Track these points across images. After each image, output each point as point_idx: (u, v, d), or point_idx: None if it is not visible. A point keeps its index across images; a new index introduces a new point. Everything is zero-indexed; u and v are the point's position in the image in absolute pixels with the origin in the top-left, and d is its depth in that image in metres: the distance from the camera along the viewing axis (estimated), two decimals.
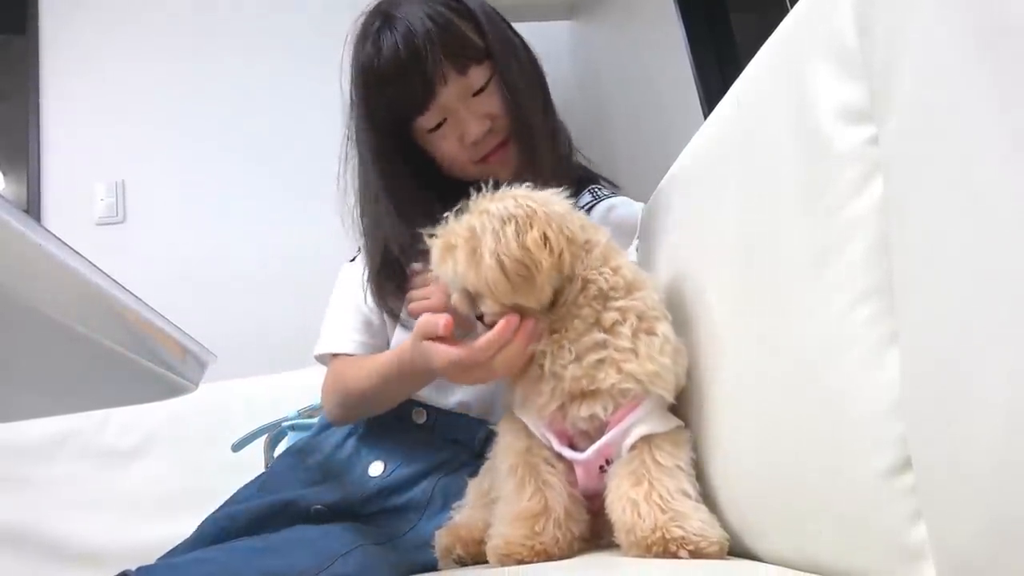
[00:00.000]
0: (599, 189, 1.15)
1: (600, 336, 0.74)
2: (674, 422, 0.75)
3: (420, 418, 1.06)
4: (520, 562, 0.70)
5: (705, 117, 0.81)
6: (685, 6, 2.39)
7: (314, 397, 1.25)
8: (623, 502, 0.69)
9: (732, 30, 2.42)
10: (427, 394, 1.05)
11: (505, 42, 1.04)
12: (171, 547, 0.91)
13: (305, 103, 2.55)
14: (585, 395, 0.74)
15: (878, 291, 0.48)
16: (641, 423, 0.73)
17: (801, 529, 0.58)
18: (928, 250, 0.43)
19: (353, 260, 1.18)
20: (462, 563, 0.83)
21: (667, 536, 0.65)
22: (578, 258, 0.75)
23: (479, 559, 0.80)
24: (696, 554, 0.64)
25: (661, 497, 0.68)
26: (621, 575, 0.67)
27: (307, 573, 0.78)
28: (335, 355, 1.11)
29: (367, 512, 0.98)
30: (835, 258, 0.52)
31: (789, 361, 0.58)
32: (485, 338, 0.76)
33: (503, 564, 0.71)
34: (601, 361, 0.73)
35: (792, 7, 0.60)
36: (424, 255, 0.96)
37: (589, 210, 1.11)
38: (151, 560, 0.83)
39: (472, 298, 0.79)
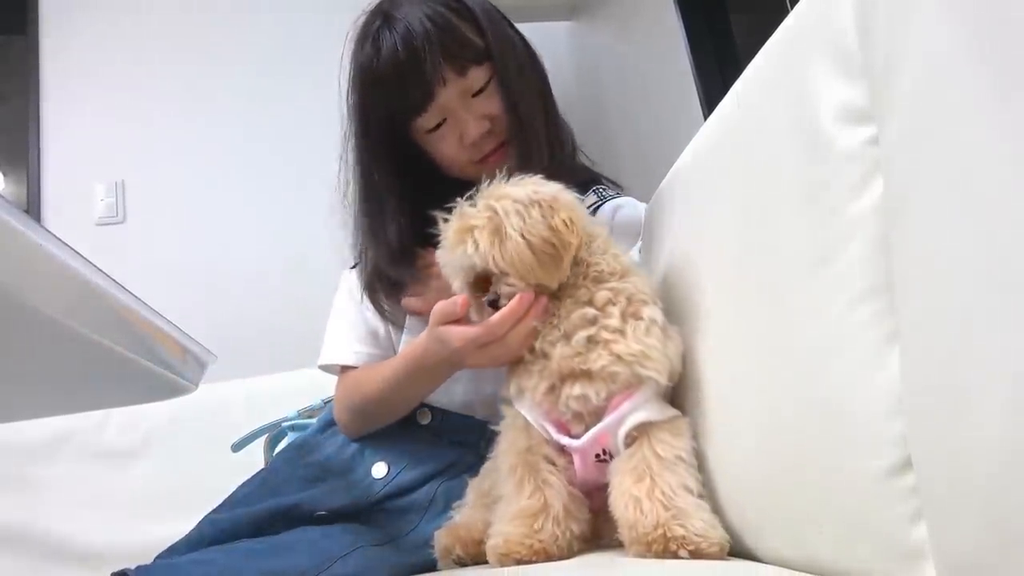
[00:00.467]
0: (604, 190, 1.15)
1: (591, 312, 0.76)
2: (672, 411, 0.75)
3: (425, 419, 1.06)
4: (519, 562, 0.70)
5: (705, 117, 0.81)
6: (685, 7, 2.39)
7: (314, 397, 1.25)
8: (626, 499, 0.69)
9: (732, 30, 2.42)
10: (434, 395, 1.04)
11: (505, 43, 1.04)
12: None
13: (305, 103, 2.55)
14: (576, 375, 0.74)
15: (878, 291, 0.48)
16: (637, 411, 0.73)
17: (801, 529, 0.58)
18: (928, 250, 0.43)
19: (354, 267, 1.18)
20: (461, 563, 0.83)
21: (668, 535, 0.65)
22: (585, 246, 0.79)
23: (479, 559, 0.80)
24: (696, 554, 0.64)
25: (663, 494, 0.67)
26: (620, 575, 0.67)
27: (307, 574, 0.78)
28: (344, 368, 1.11)
29: (368, 511, 0.98)
30: (835, 258, 0.52)
31: (789, 361, 0.58)
32: (500, 313, 0.78)
33: (502, 564, 0.71)
34: (591, 340, 0.75)
35: (792, 7, 0.60)
36: (423, 252, 0.96)
37: (595, 210, 1.11)
38: (151, 560, 0.83)
39: (481, 283, 0.81)
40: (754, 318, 0.65)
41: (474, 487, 0.91)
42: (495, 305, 0.80)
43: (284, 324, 2.29)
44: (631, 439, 0.74)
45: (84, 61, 2.53)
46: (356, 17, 1.05)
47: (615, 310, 0.76)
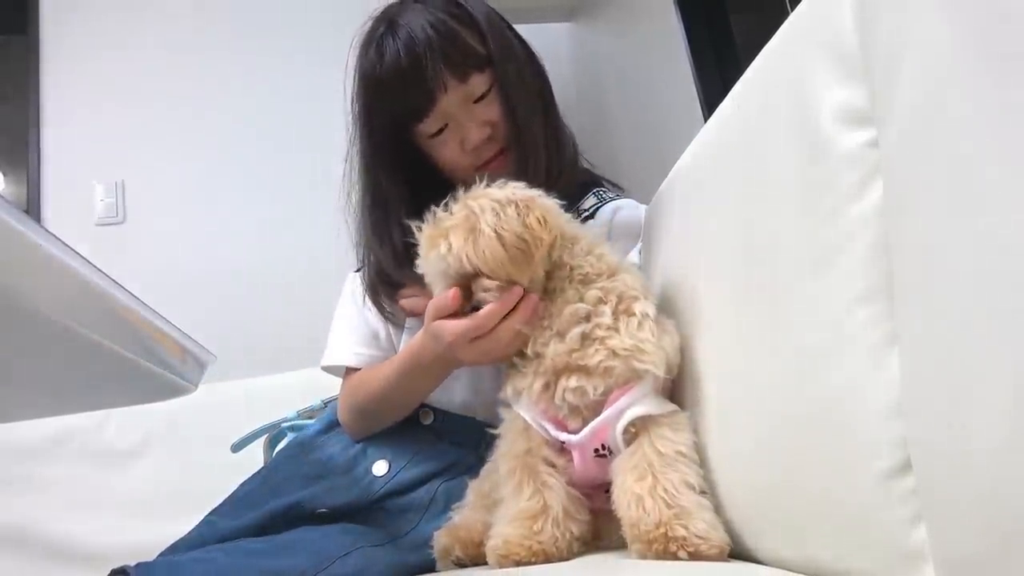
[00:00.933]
0: (604, 192, 1.16)
1: (583, 308, 0.77)
2: (671, 406, 0.75)
3: (427, 419, 1.07)
4: (518, 563, 0.70)
5: (705, 119, 0.81)
6: (685, 8, 2.40)
7: (314, 398, 1.25)
8: (628, 497, 0.69)
9: (732, 32, 2.42)
10: (434, 395, 1.06)
11: (507, 50, 1.05)
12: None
13: (305, 104, 2.56)
14: (572, 369, 0.75)
15: (878, 293, 0.48)
16: (635, 405, 0.73)
17: (801, 531, 0.58)
18: (928, 252, 0.43)
19: (358, 271, 1.19)
20: (461, 564, 0.83)
21: (670, 535, 0.65)
22: (565, 248, 0.81)
23: (478, 561, 0.80)
24: (696, 556, 0.64)
25: (666, 491, 0.67)
26: None
27: (306, 574, 0.78)
28: (347, 370, 1.13)
29: (368, 510, 0.99)
30: (835, 260, 0.52)
31: (789, 362, 0.58)
32: (489, 307, 0.79)
33: (501, 565, 0.71)
34: (585, 336, 0.75)
35: (792, 9, 0.60)
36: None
37: (594, 212, 1.12)
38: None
39: (465, 291, 0.81)
40: (754, 320, 0.65)
41: (474, 488, 0.91)
42: (478, 310, 0.81)
43: (284, 325, 2.29)
44: (630, 435, 0.74)
45: (84, 61, 2.53)
46: (361, 23, 1.06)
47: (606, 308, 0.76)
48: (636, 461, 0.71)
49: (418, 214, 1.00)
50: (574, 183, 1.12)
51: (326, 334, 1.20)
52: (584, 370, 0.74)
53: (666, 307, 0.86)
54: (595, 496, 0.78)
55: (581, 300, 0.77)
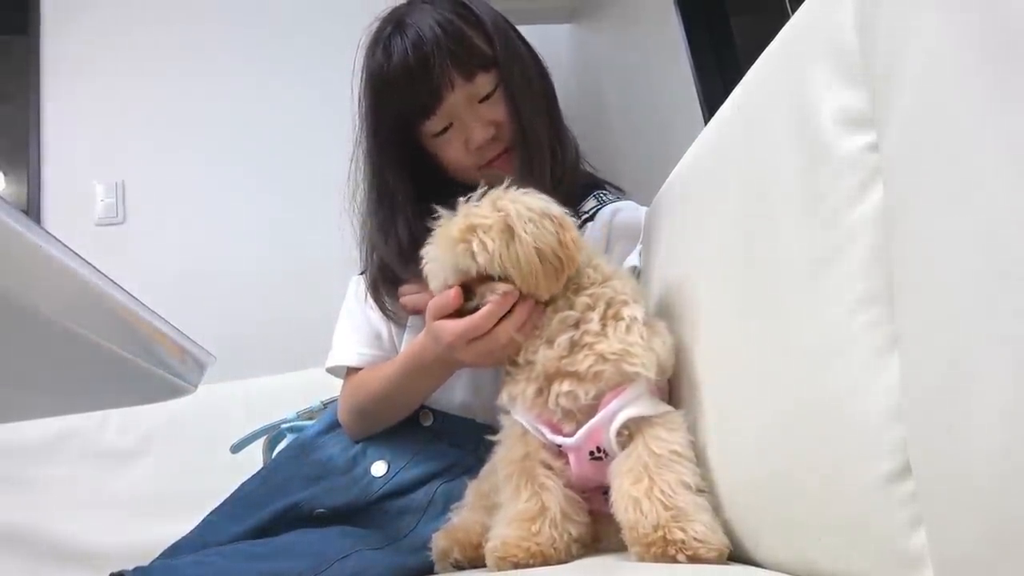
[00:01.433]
0: (604, 194, 1.17)
1: (571, 315, 0.78)
2: (665, 407, 0.76)
3: (427, 420, 1.08)
4: (516, 565, 0.70)
5: (705, 121, 0.81)
6: (685, 10, 2.40)
7: (313, 399, 1.25)
8: (625, 500, 0.69)
9: (732, 34, 2.42)
10: (434, 396, 1.06)
11: (512, 52, 1.06)
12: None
13: (306, 104, 2.56)
14: (563, 375, 0.76)
15: (878, 296, 0.48)
16: (628, 406, 0.74)
17: (800, 535, 0.58)
18: (928, 256, 0.43)
19: (362, 273, 1.20)
20: (459, 567, 0.83)
21: (668, 537, 0.65)
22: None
23: (476, 563, 0.80)
24: (694, 559, 0.64)
25: (663, 492, 0.67)
26: None
27: (305, 574, 0.78)
28: (349, 370, 1.13)
29: (367, 511, 0.99)
30: (835, 263, 0.52)
31: (789, 366, 0.58)
32: (487, 307, 0.80)
33: (500, 567, 0.71)
34: (574, 343, 0.76)
35: (793, 11, 0.60)
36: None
37: (594, 214, 1.12)
38: (151, 560, 0.83)
39: (469, 287, 0.82)
40: (754, 322, 0.65)
41: (473, 489, 0.91)
42: (476, 308, 0.81)
43: (283, 325, 2.29)
44: (624, 437, 0.74)
45: (85, 62, 2.53)
46: (365, 23, 1.08)
47: (594, 314, 0.77)
48: (632, 464, 0.71)
49: (423, 213, 1.00)
50: (576, 185, 1.13)
51: (326, 335, 1.20)
52: (575, 375, 0.75)
53: (666, 309, 0.86)
54: (594, 498, 0.78)
55: (571, 306, 0.78)
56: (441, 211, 0.83)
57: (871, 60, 0.48)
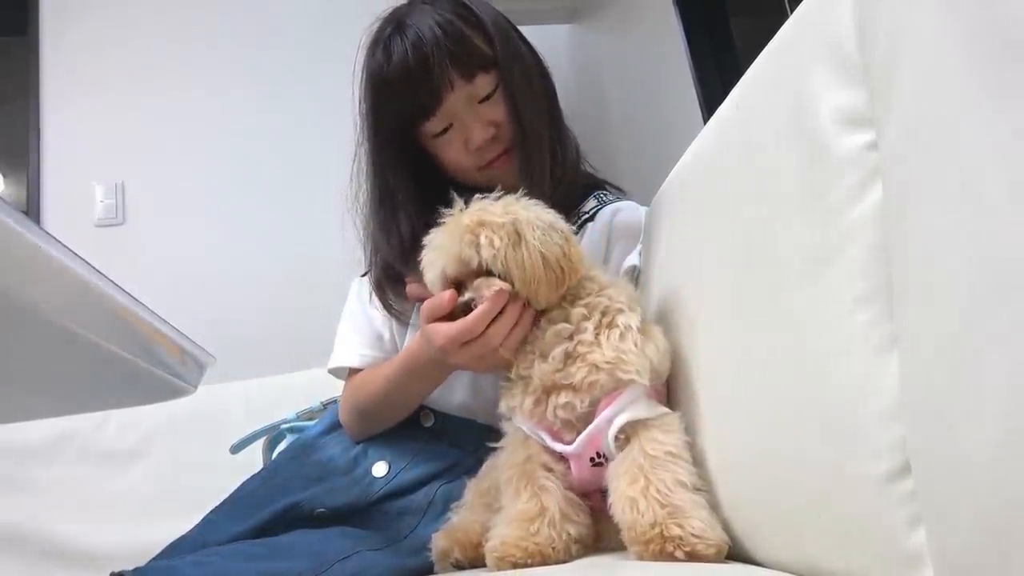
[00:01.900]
0: (604, 195, 1.17)
1: (565, 328, 0.78)
2: (661, 409, 0.76)
3: (428, 421, 1.08)
4: (515, 565, 0.70)
5: (705, 121, 0.81)
6: (685, 10, 2.40)
7: (313, 399, 1.26)
8: (623, 501, 0.69)
9: (732, 34, 2.42)
10: (434, 397, 1.06)
11: (513, 52, 1.06)
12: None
13: (306, 105, 2.56)
14: (560, 388, 0.76)
15: (877, 295, 0.48)
16: (624, 411, 0.74)
17: (800, 533, 0.58)
18: (927, 254, 0.43)
19: (364, 275, 1.21)
20: (459, 567, 0.83)
21: (665, 534, 0.65)
22: None
23: (476, 563, 0.80)
24: (692, 556, 0.64)
25: (659, 491, 0.68)
26: None
27: (305, 575, 0.78)
28: (351, 371, 1.13)
29: (367, 512, 0.99)
30: (834, 262, 0.52)
31: (788, 365, 0.58)
32: (478, 310, 0.80)
33: (499, 567, 0.71)
34: (568, 355, 0.77)
35: (792, 11, 0.60)
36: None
37: (594, 214, 1.12)
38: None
39: (463, 283, 0.83)
40: (753, 322, 0.65)
41: (473, 487, 0.91)
42: (469, 309, 0.81)
43: (283, 326, 2.30)
44: (622, 440, 0.74)
45: (84, 62, 2.53)
46: (365, 24, 1.08)
47: (589, 324, 0.78)
48: (627, 465, 0.71)
49: (424, 212, 1.01)
50: (576, 186, 1.13)
51: (326, 336, 1.21)
52: (570, 387, 0.76)
53: (665, 309, 0.86)
54: (595, 498, 0.78)
55: (566, 317, 0.79)
56: (455, 199, 0.84)
57: (870, 59, 0.48)
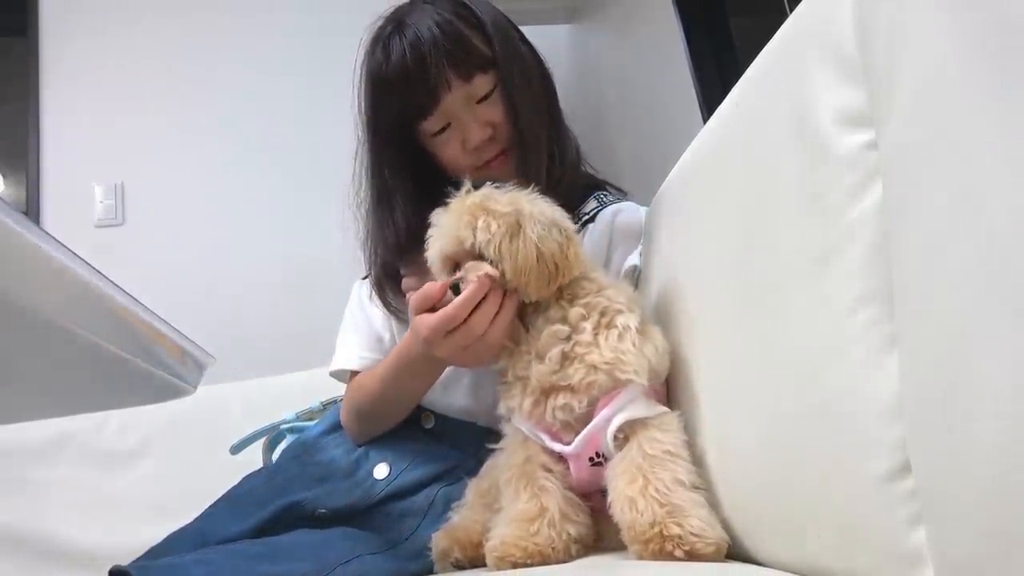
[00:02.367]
0: (604, 195, 1.17)
1: (563, 330, 0.78)
2: (660, 408, 0.76)
3: (428, 423, 1.08)
4: (515, 565, 0.70)
5: (704, 121, 0.81)
6: (684, 10, 2.40)
7: (313, 399, 1.25)
8: (622, 501, 0.70)
9: (731, 34, 2.42)
10: (435, 399, 1.07)
11: (512, 53, 1.06)
12: None
13: (306, 105, 2.56)
14: (558, 389, 0.76)
15: (877, 295, 0.48)
16: (622, 411, 0.74)
17: (800, 532, 0.58)
18: (927, 254, 0.43)
19: (365, 278, 1.21)
20: (459, 566, 0.83)
21: (665, 533, 0.65)
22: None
23: (477, 562, 0.80)
24: (692, 554, 0.64)
25: (657, 490, 0.68)
26: None
27: None
28: (351, 374, 1.14)
29: (368, 514, 0.99)
30: (834, 262, 0.52)
31: (788, 364, 0.58)
32: (460, 297, 0.81)
33: (499, 567, 0.71)
34: (565, 356, 0.77)
35: (791, 12, 0.60)
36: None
37: (595, 215, 1.12)
38: None
39: (455, 266, 0.83)
40: (753, 321, 0.65)
41: (473, 487, 0.91)
42: (456, 290, 0.81)
43: (283, 326, 2.30)
44: (621, 440, 0.74)
45: (84, 63, 2.53)
46: (366, 23, 1.09)
47: (587, 324, 0.78)
48: (626, 465, 0.72)
49: (422, 211, 1.01)
50: (576, 187, 1.13)
51: (325, 336, 1.21)
52: (568, 388, 0.76)
53: (665, 308, 0.86)
54: (595, 498, 0.78)
55: (564, 317, 0.79)
56: (465, 184, 0.85)
57: (870, 59, 0.48)
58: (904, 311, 0.46)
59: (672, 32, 2.42)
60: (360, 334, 1.17)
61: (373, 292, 1.14)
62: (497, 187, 0.84)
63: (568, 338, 0.78)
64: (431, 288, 0.84)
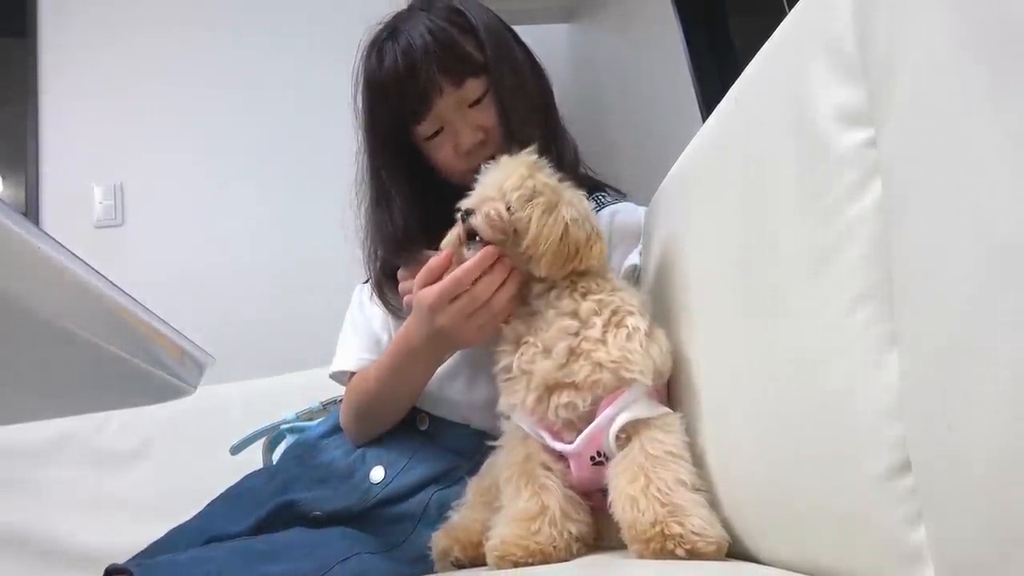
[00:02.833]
0: (603, 196, 1.18)
1: (572, 324, 0.79)
2: (662, 409, 0.76)
3: (423, 424, 1.08)
4: (516, 564, 0.70)
5: (703, 119, 0.81)
6: (683, 9, 2.40)
7: (313, 399, 1.26)
8: (623, 499, 0.70)
9: (730, 33, 2.42)
10: (429, 399, 1.07)
11: (504, 57, 1.07)
12: None
13: (305, 106, 2.56)
14: (562, 386, 0.77)
15: (877, 293, 0.48)
16: (625, 410, 0.74)
17: (800, 531, 0.58)
18: (927, 252, 0.43)
19: (366, 281, 1.22)
20: (459, 566, 0.83)
21: (666, 532, 0.65)
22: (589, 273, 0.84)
23: (477, 561, 0.80)
24: (693, 553, 0.64)
25: (659, 490, 0.68)
26: None
27: None
28: (350, 376, 1.14)
29: (364, 517, 0.99)
30: (834, 260, 0.52)
31: (788, 363, 0.58)
32: (467, 263, 0.83)
33: (500, 566, 0.71)
34: (572, 351, 0.77)
35: (791, 10, 0.60)
36: (427, 250, 0.99)
37: None
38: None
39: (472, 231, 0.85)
40: (753, 320, 0.65)
41: (474, 486, 0.91)
42: (471, 235, 0.84)
43: (282, 326, 2.29)
44: (622, 440, 0.74)
45: (83, 64, 2.53)
46: (363, 26, 1.11)
47: (598, 320, 0.78)
48: (628, 464, 0.72)
49: (419, 213, 1.05)
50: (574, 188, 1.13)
51: (325, 336, 1.21)
52: (572, 385, 0.76)
53: (665, 307, 0.86)
54: (595, 497, 0.78)
55: (576, 311, 0.79)
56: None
57: (868, 56, 0.48)
58: (904, 309, 0.46)
59: (671, 31, 2.42)
60: (360, 336, 1.18)
61: (373, 294, 1.15)
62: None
63: (576, 333, 0.78)
64: (435, 260, 0.86)
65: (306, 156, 2.49)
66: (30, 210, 2.37)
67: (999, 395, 0.37)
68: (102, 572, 0.76)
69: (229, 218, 2.48)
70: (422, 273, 0.88)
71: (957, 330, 0.40)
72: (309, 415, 1.24)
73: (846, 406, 0.51)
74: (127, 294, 0.49)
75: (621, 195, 1.21)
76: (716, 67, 2.33)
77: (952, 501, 0.41)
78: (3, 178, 2.65)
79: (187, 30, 2.62)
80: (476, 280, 0.83)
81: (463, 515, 0.88)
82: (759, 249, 0.63)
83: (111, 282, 0.47)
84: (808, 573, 0.56)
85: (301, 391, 1.35)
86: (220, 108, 2.57)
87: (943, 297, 0.41)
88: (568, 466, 0.78)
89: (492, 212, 0.81)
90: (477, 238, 0.84)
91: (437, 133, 1.07)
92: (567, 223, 0.80)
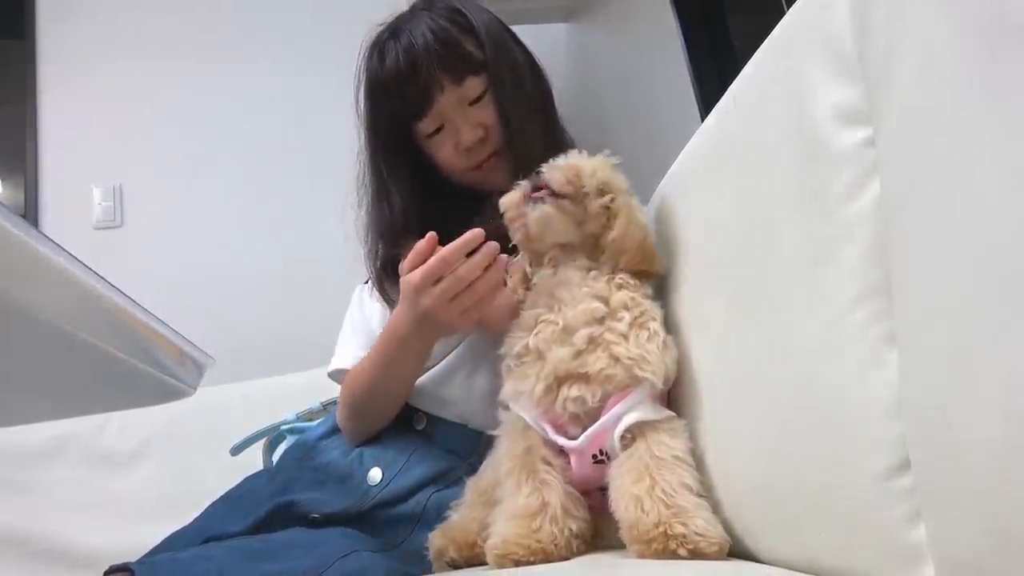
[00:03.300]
0: None
1: (600, 309, 0.78)
2: (667, 412, 0.76)
3: (420, 424, 1.08)
4: (517, 563, 0.70)
5: (703, 118, 0.81)
6: (682, 8, 2.40)
7: (313, 400, 1.26)
8: (626, 499, 0.70)
9: (730, 33, 2.42)
10: (427, 397, 1.08)
11: (503, 56, 1.09)
12: None
13: (305, 107, 2.55)
14: (573, 378, 0.76)
15: (876, 292, 0.48)
16: (632, 411, 0.74)
17: (800, 530, 0.58)
18: (926, 251, 0.43)
19: (366, 282, 1.23)
20: (455, 566, 0.82)
21: (669, 532, 0.65)
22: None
23: (473, 561, 0.80)
24: (695, 553, 0.64)
25: (664, 492, 0.68)
26: None
27: (308, 574, 0.78)
28: (346, 374, 1.14)
29: (362, 519, 0.99)
30: (833, 259, 0.52)
31: (787, 362, 0.58)
32: (451, 244, 0.85)
33: (500, 565, 0.71)
34: (592, 340, 0.77)
35: (789, 9, 0.60)
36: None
37: None
38: None
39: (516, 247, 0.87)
40: (752, 319, 0.65)
41: (472, 485, 0.90)
42: (536, 189, 0.82)
43: (282, 327, 2.29)
44: (627, 441, 0.74)
45: (82, 65, 2.52)
46: (363, 27, 1.13)
47: (627, 315, 0.78)
48: (633, 464, 0.72)
49: (421, 208, 1.08)
50: None
51: (325, 337, 1.21)
52: (584, 377, 0.76)
53: (664, 307, 0.86)
54: (593, 494, 0.78)
55: (608, 298, 0.79)
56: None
57: (866, 55, 0.48)
58: (903, 308, 0.46)
59: (670, 30, 2.42)
60: (358, 335, 1.18)
61: (374, 290, 1.16)
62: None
63: (602, 320, 0.78)
64: (422, 243, 0.87)
65: (306, 157, 2.49)
66: (29, 211, 2.37)
67: (997, 393, 0.37)
68: (102, 572, 0.76)
69: (229, 219, 2.48)
70: (410, 256, 0.89)
71: (956, 329, 0.40)
72: (309, 416, 1.24)
73: (845, 405, 0.51)
74: (126, 295, 0.49)
75: None
76: (715, 67, 2.33)
77: (951, 499, 0.41)
78: (2, 179, 2.65)
79: (187, 31, 2.61)
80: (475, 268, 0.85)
81: (461, 514, 0.87)
82: (758, 248, 0.63)
83: (110, 283, 0.47)
84: (808, 572, 0.56)
85: (301, 392, 1.35)
86: (220, 109, 2.57)
87: (943, 296, 0.41)
88: (568, 462, 0.78)
89: (571, 171, 0.81)
90: (540, 195, 0.82)
91: (438, 131, 1.09)
92: (643, 225, 0.82)
